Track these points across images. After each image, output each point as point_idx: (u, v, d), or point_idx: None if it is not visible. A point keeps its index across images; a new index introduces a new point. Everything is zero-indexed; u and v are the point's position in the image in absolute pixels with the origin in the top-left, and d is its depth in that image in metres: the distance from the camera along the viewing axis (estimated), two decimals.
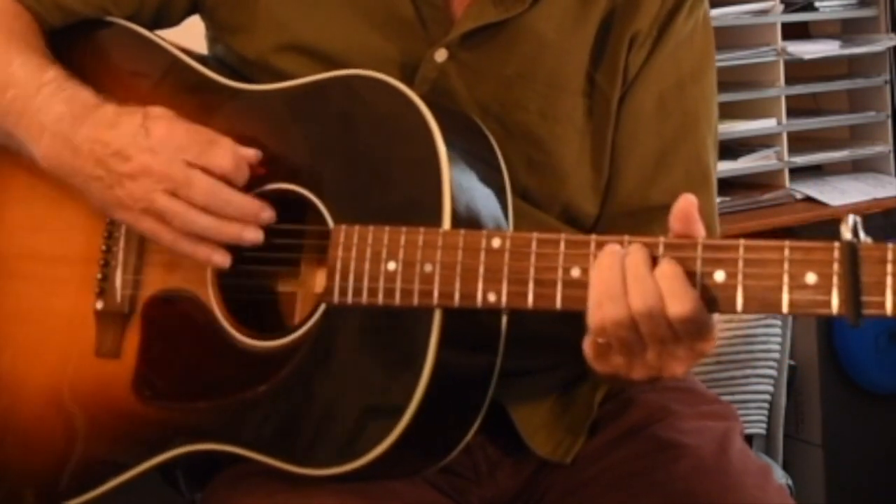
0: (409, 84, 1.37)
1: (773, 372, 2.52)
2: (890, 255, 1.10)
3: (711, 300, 1.17)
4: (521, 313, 1.30)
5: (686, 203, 1.18)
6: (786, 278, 1.13)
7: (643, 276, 1.16)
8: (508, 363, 1.35)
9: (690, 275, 1.17)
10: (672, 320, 1.16)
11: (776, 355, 2.51)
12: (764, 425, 2.53)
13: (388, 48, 1.45)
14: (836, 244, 1.12)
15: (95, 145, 1.38)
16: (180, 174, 1.35)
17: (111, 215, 1.42)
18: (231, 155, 1.36)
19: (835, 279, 1.12)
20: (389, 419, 1.28)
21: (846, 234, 1.11)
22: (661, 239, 1.19)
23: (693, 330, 1.18)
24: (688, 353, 1.21)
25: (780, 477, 2.33)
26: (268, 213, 1.37)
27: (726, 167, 2.65)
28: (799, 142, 2.83)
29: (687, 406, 1.51)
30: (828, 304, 1.12)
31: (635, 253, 1.17)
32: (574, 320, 1.50)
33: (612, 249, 1.19)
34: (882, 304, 1.10)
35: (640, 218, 1.44)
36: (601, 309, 1.18)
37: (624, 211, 1.46)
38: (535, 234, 1.24)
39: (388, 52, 1.45)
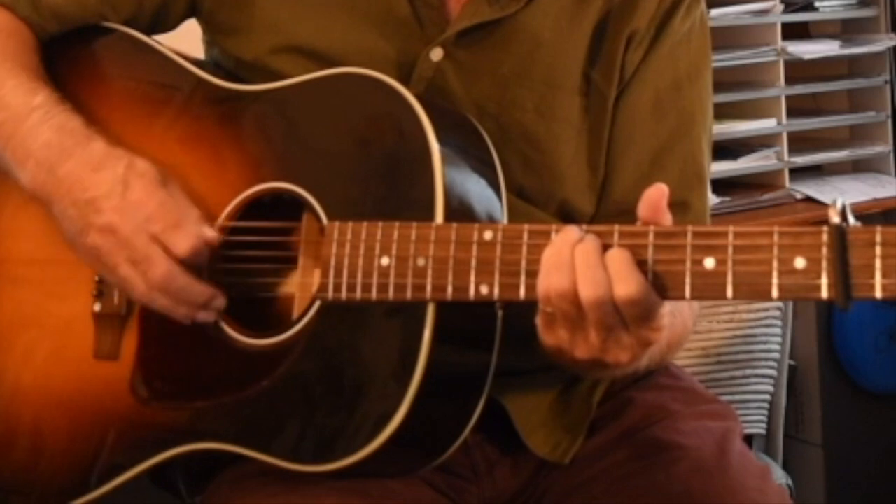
0: (406, 83, 1.38)
1: (773, 372, 2.52)
2: (878, 238, 1.10)
3: (661, 287, 1.17)
4: (518, 310, 1.30)
5: (657, 191, 1.19)
6: (775, 264, 1.13)
7: (593, 265, 1.18)
8: (507, 362, 1.35)
9: (641, 262, 1.17)
10: (618, 303, 1.17)
11: (776, 355, 2.51)
12: (764, 425, 2.53)
13: (384, 47, 1.45)
14: (825, 228, 1.12)
15: (75, 185, 1.39)
16: (142, 248, 1.36)
17: (79, 256, 1.42)
18: (191, 242, 1.36)
19: (824, 263, 1.12)
20: (384, 415, 1.28)
21: (834, 217, 1.11)
22: (617, 227, 1.20)
23: (639, 314, 1.18)
24: (633, 341, 1.21)
25: (780, 477, 2.33)
26: (220, 301, 1.39)
27: (726, 167, 2.65)
28: (799, 142, 2.83)
29: (686, 406, 1.51)
30: (818, 288, 1.12)
31: (588, 241, 1.19)
32: None
33: (570, 228, 1.21)
34: (871, 287, 1.10)
35: (635, 216, 1.44)
36: (548, 278, 1.19)
37: (620, 209, 1.46)
38: (526, 226, 1.25)
39: (384, 52, 1.45)
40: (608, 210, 1.48)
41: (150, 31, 1.55)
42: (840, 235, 1.11)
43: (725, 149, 2.66)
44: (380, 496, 1.37)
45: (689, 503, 1.39)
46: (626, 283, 1.17)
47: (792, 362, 2.65)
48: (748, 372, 2.50)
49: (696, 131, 1.51)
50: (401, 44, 1.45)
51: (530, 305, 1.29)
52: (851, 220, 1.12)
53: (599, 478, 1.46)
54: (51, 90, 1.46)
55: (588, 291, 1.18)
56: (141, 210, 1.36)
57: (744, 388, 2.50)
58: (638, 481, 1.43)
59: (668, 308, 1.21)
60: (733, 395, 2.47)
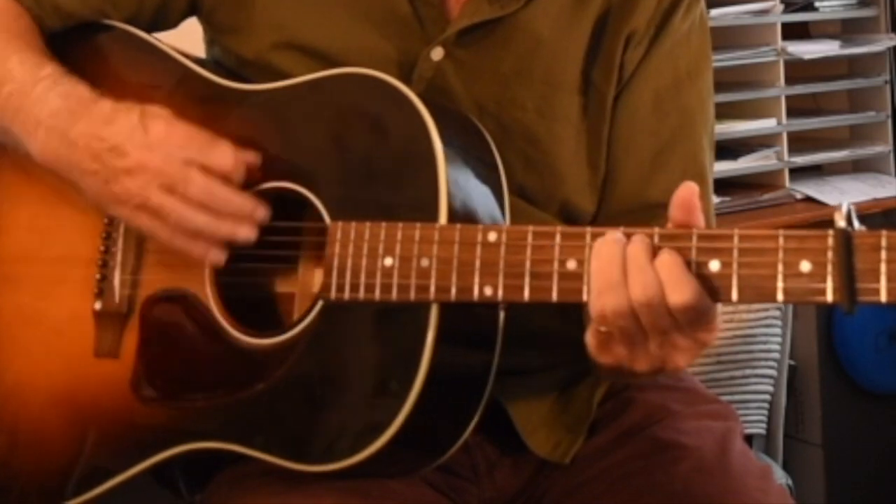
0: (406, 82, 1.38)
1: (773, 372, 2.52)
2: (884, 242, 1.10)
3: (712, 289, 1.17)
4: (519, 310, 1.30)
5: (687, 192, 1.19)
6: (780, 267, 1.13)
7: (643, 267, 1.16)
8: (508, 362, 1.35)
9: (689, 264, 1.17)
10: (672, 309, 1.16)
11: (776, 355, 2.51)
12: (764, 425, 2.53)
13: (385, 47, 1.45)
14: (831, 232, 1.12)
15: (92, 140, 1.38)
16: (177, 171, 1.35)
17: (107, 210, 1.42)
18: (230, 154, 1.36)
19: (829, 267, 1.12)
20: (386, 416, 1.28)
21: (840, 221, 1.11)
22: (657, 229, 1.19)
23: (694, 318, 1.18)
24: (690, 344, 1.20)
25: (780, 477, 2.33)
26: (262, 212, 1.37)
27: (726, 167, 2.65)
28: (799, 142, 2.83)
29: (686, 406, 1.51)
30: (822, 291, 1.12)
31: (636, 243, 1.17)
32: (573, 318, 1.51)
33: (613, 238, 1.19)
34: (877, 291, 1.10)
35: (638, 216, 1.44)
36: (601, 298, 1.18)
37: (622, 209, 1.46)
38: (530, 227, 1.24)
39: (385, 51, 1.45)
40: (610, 210, 1.48)
41: (150, 30, 1.55)
42: (845, 239, 1.11)
43: (725, 149, 2.66)
44: (380, 496, 1.37)
45: (690, 503, 1.39)
46: (680, 290, 1.16)
47: (792, 362, 2.65)
48: (748, 372, 2.50)
49: (698, 131, 1.51)
50: (401, 43, 1.45)
51: (532, 305, 1.29)
52: (857, 224, 1.12)
53: (600, 477, 1.45)
54: (56, 64, 1.46)
55: (638, 294, 1.16)
56: (168, 141, 1.36)
57: (744, 388, 2.50)
58: (638, 481, 1.43)
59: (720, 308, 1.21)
60: (733, 395, 2.48)
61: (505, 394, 1.44)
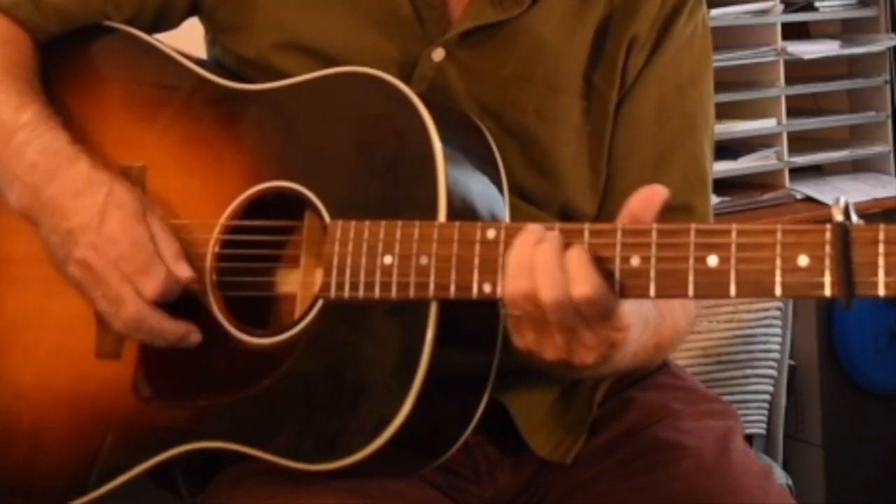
0: (407, 82, 1.38)
1: (773, 372, 2.52)
2: (881, 236, 1.10)
3: (622, 286, 1.18)
4: None
5: (654, 192, 1.19)
6: (778, 261, 1.13)
7: (552, 267, 1.18)
8: (508, 361, 1.35)
9: (608, 259, 1.18)
10: (576, 303, 1.17)
11: (776, 355, 2.51)
12: (764, 425, 2.54)
13: (386, 47, 1.45)
14: (828, 226, 1.12)
15: (56, 212, 1.40)
16: (115, 287, 1.38)
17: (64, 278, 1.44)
18: (159, 286, 1.37)
19: (827, 261, 1.12)
20: (386, 415, 1.28)
21: (837, 215, 1.11)
22: (586, 225, 1.20)
23: (598, 313, 1.18)
24: (596, 341, 1.21)
25: (780, 477, 2.33)
26: (194, 337, 1.40)
27: (726, 167, 2.65)
28: (799, 142, 2.83)
29: (687, 405, 1.51)
30: (821, 285, 1.12)
31: (547, 243, 1.19)
32: None
33: (530, 229, 1.21)
34: (874, 285, 1.10)
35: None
36: (513, 282, 1.20)
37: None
38: (528, 225, 1.24)
39: (386, 51, 1.45)
40: (613, 213, 1.48)
41: (152, 30, 1.55)
42: (843, 233, 1.11)
43: (725, 149, 2.67)
44: (381, 496, 1.37)
45: (690, 503, 1.39)
46: (581, 284, 1.17)
47: (792, 362, 2.65)
48: (748, 372, 2.50)
49: (699, 134, 1.51)
50: (402, 44, 1.45)
51: None
52: (854, 218, 1.12)
53: (601, 477, 1.45)
54: (40, 105, 1.46)
55: (547, 293, 1.18)
56: (114, 247, 1.37)
57: (744, 388, 2.51)
58: (639, 481, 1.43)
59: (630, 307, 1.21)
60: (733, 395, 2.48)
61: (506, 394, 1.44)
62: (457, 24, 1.45)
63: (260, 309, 1.43)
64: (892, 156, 2.88)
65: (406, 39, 1.45)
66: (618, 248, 1.19)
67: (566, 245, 1.19)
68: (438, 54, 1.45)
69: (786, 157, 2.74)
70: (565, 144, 1.47)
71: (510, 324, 1.24)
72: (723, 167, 2.63)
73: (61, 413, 1.47)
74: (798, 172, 2.79)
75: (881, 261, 1.09)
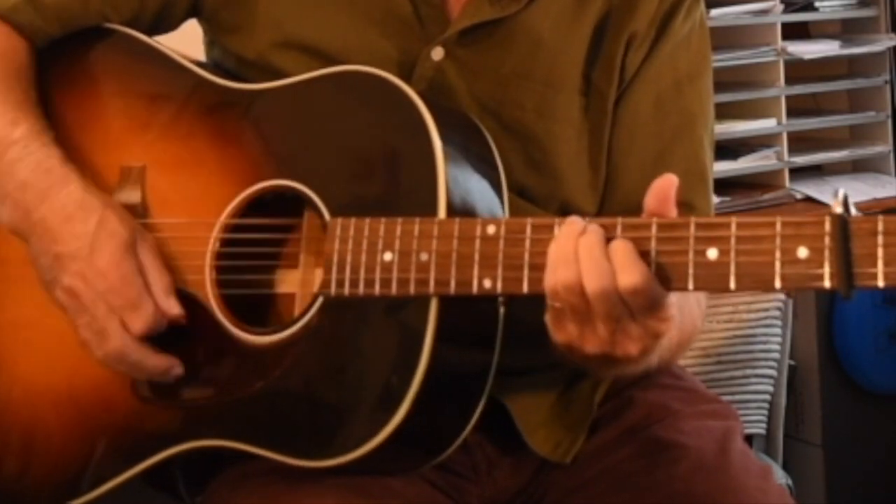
0: (407, 82, 1.38)
1: (773, 372, 2.52)
2: (880, 227, 1.10)
3: (664, 278, 1.18)
4: (519, 308, 1.30)
5: (666, 182, 1.20)
6: (778, 254, 1.14)
7: (597, 257, 1.18)
8: (509, 361, 1.35)
9: (645, 253, 1.18)
10: (623, 293, 1.17)
11: (776, 355, 2.52)
12: (764, 425, 2.54)
13: (385, 46, 1.46)
14: (827, 218, 1.12)
15: (46, 234, 1.40)
16: (100, 319, 1.38)
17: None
18: (146, 323, 1.38)
19: (826, 253, 1.12)
20: (386, 411, 1.28)
21: (836, 208, 1.12)
22: (619, 219, 1.20)
23: (645, 304, 1.18)
24: (641, 333, 1.21)
25: (780, 477, 2.33)
26: (177, 370, 1.40)
27: (726, 167, 2.65)
28: (799, 142, 2.83)
29: (687, 405, 1.51)
30: (820, 277, 1.12)
31: (591, 234, 1.19)
32: None
33: (572, 220, 1.21)
34: (874, 276, 1.10)
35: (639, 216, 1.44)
36: (555, 273, 1.20)
37: (625, 209, 1.46)
38: (529, 220, 1.25)
39: (385, 50, 1.45)
40: (613, 210, 1.48)
41: (151, 32, 1.55)
42: (842, 225, 1.11)
43: (725, 149, 2.66)
44: (381, 496, 1.37)
45: (690, 503, 1.39)
46: (629, 273, 1.17)
47: (792, 362, 2.65)
48: (748, 372, 2.51)
49: (698, 132, 1.51)
50: (401, 42, 1.45)
51: (532, 302, 1.29)
52: (853, 210, 1.12)
53: (600, 477, 1.45)
54: (34, 119, 1.46)
55: (593, 283, 1.18)
56: (103, 281, 1.37)
57: (744, 388, 2.51)
58: (639, 481, 1.43)
59: (674, 299, 1.21)
60: (733, 395, 2.48)
61: (506, 393, 1.44)
62: (455, 23, 1.45)
63: (259, 308, 1.44)
64: (892, 156, 2.88)
65: (405, 38, 1.45)
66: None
67: (608, 238, 1.19)
68: (438, 53, 1.45)
69: (786, 157, 2.74)
70: (565, 142, 1.47)
71: (550, 317, 1.24)
72: (723, 167, 2.62)
73: (62, 413, 1.47)
74: (798, 172, 2.79)
75: (880, 252, 1.10)
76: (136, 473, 1.42)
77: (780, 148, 2.74)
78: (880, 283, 1.10)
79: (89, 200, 1.40)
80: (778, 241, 1.14)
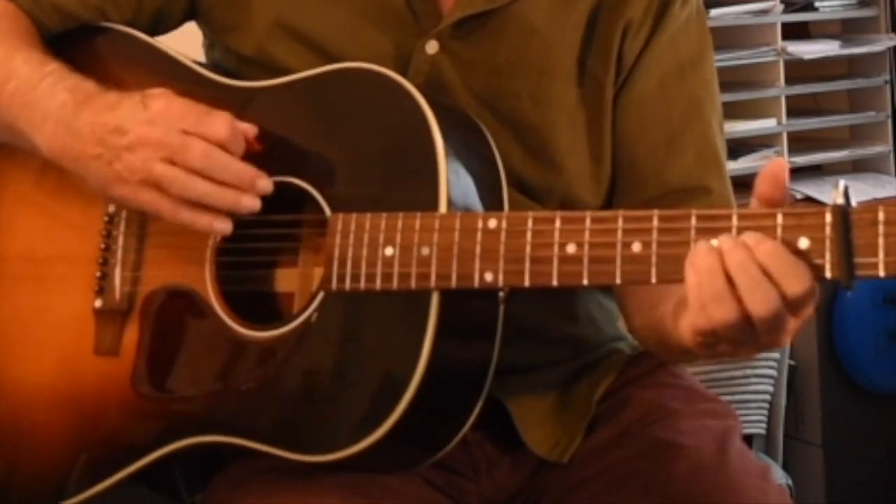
0: (403, 76, 1.38)
1: (773, 372, 2.52)
2: (881, 217, 1.10)
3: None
4: (519, 306, 1.31)
5: (777, 167, 1.17)
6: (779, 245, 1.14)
7: (756, 278, 1.13)
8: (508, 359, 1.35)
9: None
10: (792, 302, 1.14)
11: (776, 355, 2.51)
12: (764, 425, 2.54)
13: (381, 40, 1.46)
14: (828, 208, 1.13)
15: (96, 126, 1.38)
16: (177, 141, 1.34)
17: (110, 193, 1.40)
18: (228, 123, 1.35)
19: (827, 243, 1.12)
20: (386, 406, 1.28)
21: (837, 199, 1.12)
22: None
23: (810, 302, 1.15)
24: (798, 324, 1.18)
25: (780, 477, 2.33)
26: (264, 182, 1.36)
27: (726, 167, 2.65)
28: (799, 142, 2.83)
29: (685, 404, 1.50)
30: (821, 268, 1.13)
31: (734, 251, 1.14)
32: (573, 314, 1.51)
33: (707, 249, 1.15)
34: (875, 266, 1.10)
35: (660, 203, 1.44)
36: (705, 311, 1.15)
37: (644, 198, 1.46)
38: (530, 213, 1.25)
39: (381, 44, 1.46)
40: (632, 200, 1.47)
41: (150, 32, 1.55)
42: (843, 215, 1.11)
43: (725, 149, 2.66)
44: (380, 496, 1.37)
45: (689, 503, 1.39)
46: (794, 281, 1.13)
47: (792, 362, 2.65)
48: (748, 372, 2.50)
49: (706, 114, 1.51)
50: (396, 37, 1.46)
51: (532, 300, 1.30)
52: (853, 201, 1.12)
53: (598, 477, 1.45)
54: (59, 62, 1.46)
55: (761, 309, 1.13)
56: (167, 115, 1.35)
57: (744, 388, 2.51)
58: (637, 481, 1.42)
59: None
60: (733, 395, 2.48)
61: (506, 392, 1.44)
62: (448, 15, 1.45)
63: (260, 303, 1.44)
64: (892, 156, 2.88)
65: (400, 33, 1.46)
66: (619, 234, 1.19)
67: (749, 244, 1.14)
68: (432, 47, 1.45)
69: (786, 157, 2.74)
70: (561, 129, 1.47)
71: (700, 348, 1.21)
72: None
73: (60, 411, 1.47)
74: (798, 172, 2.79)
75: (881, 241, 1.10)
76: (132, 471, 1.42)
77: (780, 148, 2.74)
78: (881, 273, 1.10)
79: (127, 93, 1.40)
80: (779, 231, 1.14)
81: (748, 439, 2.37)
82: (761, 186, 1.18)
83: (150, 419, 1.43)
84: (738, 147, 2.72)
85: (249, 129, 1.38)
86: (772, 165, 1.18)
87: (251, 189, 1.36)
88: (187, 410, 1.42)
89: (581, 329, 1.53)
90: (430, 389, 1.28)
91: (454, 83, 1.45)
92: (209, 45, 1.59)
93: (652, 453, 1.44)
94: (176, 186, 1.35)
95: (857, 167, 2.94)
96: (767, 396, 2.53)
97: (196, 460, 1.46)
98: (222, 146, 1.35)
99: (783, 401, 2.55)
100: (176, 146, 1.34)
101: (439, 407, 1.33)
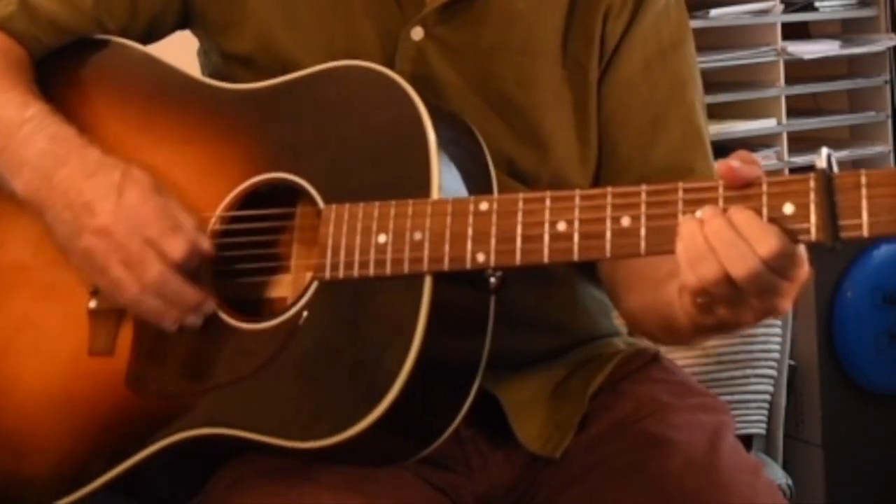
0: (390, 64, 1.40)
1: (773, 372, 2.52)
2: (863, 180, 1.12)
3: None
4: (511, 294, 1.31)
5: (732, 164, 1.19)
6: (765, 211, 1.16)
7: (732, 240, 1.16)
8: (502, 350, 1.36)
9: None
10: (767, 261, 1.16)
11: (776, 355, 2.51)
12: (764, 425, 2.53)
13: (367, 28, 1.47)
14: (812, 174, 1.15)
15: (70, 190, 1.40)
16: (137, 251, 1.37)
17: (70, 261, 1.43)
18: (186, 247, 1.37)
19: (812, 207, 1.14)
20: (378, 391, 1.29)
21: (821, 163, 1.14)
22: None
23: (788, 262, 1.17)
24: (789, 287, 1.20)
25: (780, 477, 2.33)
26: (210, 305, 1.39)
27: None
28: (799, 142, 2.83)
29: (677, 399, 1.51)
30: (807, 231, 1.14)
31: (711, 220, 1.17)
32: (566, 303, 1.52)
33: (689, 218, 1.19)
34: (859, 227, 1.12)
35: (646, 183, 1.44)
36: (695, 272, 1.19)
37: (630, 178, 1.47)
38: (521, 195, 1.27)
39: (367, 34, 1.47)
40: (619, 180, 1.47)
41: (145, 39, 1.56)
42: (826, 180, 1.13)
43: (725, 149, 2.65)
44: (376, 495, 1.37)
45: (680, 499, 1.39)
46: (765, 241, 1.15)
47: (792, 362, 2.64)
48: (748, 372, 2.50)
49: (689, 95, 1.53)
50: (381, 25, 1.47)
51: (525, 289, 1.30)
52: (836, 168, 1.14)
53: (591, 473, 1.45)
54: (42, 103, 1.47)
55: (738, 268, 1.16)
56: (136, 214, 1.37)
57: (744, 388, 2.50)
58: (630, 477, 1.42)
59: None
60: (733, 395, 2.47)
61: (499, 387, 1.45)
62: (432, 1, 1.46)
63: (255, 298, 1.44)
64: (892, 156, 2.88)
65: (385, 21, 1.47)
66: (608, 209, 1.21)
67: (724, 210, 1.18)
68: (417, 33, 1.46)
69: (786, 157, 2.75)
70: (548, 110, 1.49)
71: (695, 310, 1.24)
72: None
73: (55, 413, 1.47)
74: (798, 172, 2.78)
75: (864, 203, 1.12)
76: (128, 468, 1.42)
77: (780, 148, 2.75)
78: (865, 233, 1.12)
79: (109, 160, 1.41)
80: (765, 199, 1.16)
81: (748, 439, 2.37)
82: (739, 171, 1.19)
83: (145, 416, 1.43)
84: (739, 147, 2.71)
85: (208, 251, 1.39)
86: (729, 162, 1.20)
87: (196, 312, 1.39)
88: (183, 405, 1.41)
89: (575, 319, 1.54)
90: (422, 376, 1.28)
91: (442, 68, 1.46)
92: (205, 53, 1.60)
93: (643, 449, 1.44)
94: (128, 296, 1.38)
95: (857, 167, 2.93)
96: (767, 396, 2.52)
97: (194, 458, 1.45)
98: (178, 267, 1.37)
99: (783, 401, 2.54)
100: (134, 259, 1.37)
101: (431, 395, 1.33)
